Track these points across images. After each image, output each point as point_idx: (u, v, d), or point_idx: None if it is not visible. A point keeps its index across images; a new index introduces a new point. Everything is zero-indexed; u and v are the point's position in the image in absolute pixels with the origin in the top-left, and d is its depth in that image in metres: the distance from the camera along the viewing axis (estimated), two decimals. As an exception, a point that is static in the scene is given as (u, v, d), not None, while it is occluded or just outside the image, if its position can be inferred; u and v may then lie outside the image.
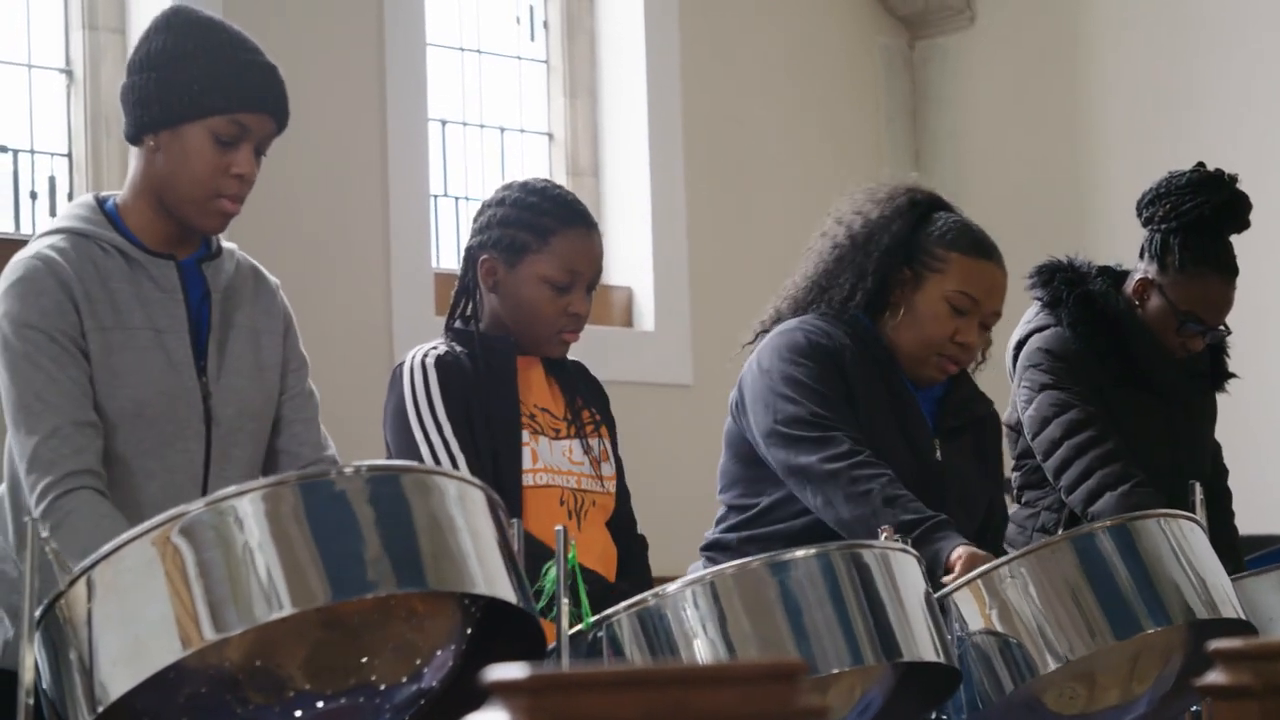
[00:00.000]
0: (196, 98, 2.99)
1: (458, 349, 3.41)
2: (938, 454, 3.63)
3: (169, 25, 3.05)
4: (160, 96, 3.01)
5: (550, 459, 3.41)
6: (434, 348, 3.42)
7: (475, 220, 3.50)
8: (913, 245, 3.63)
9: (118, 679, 2.40)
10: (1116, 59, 6.85)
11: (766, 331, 3.71)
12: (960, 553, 3.29)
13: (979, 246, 3.64)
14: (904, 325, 3.61)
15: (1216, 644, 1.95)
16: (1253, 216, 4.19)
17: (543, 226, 3.41)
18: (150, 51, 3.04)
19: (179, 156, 3.01)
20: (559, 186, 3.53)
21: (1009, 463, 4.32)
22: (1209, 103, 6.60)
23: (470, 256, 3.48)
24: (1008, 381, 4.29)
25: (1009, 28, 7.14)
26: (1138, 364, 4.14)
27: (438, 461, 3.29)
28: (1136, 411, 4.14)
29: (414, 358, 3.40)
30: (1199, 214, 4.09)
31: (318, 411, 3.21)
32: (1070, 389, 4.10)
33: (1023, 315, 4.29)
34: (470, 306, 3.48)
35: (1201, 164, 4.18)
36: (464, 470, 3.22)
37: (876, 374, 3.59)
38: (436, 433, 3.32)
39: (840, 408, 3.53)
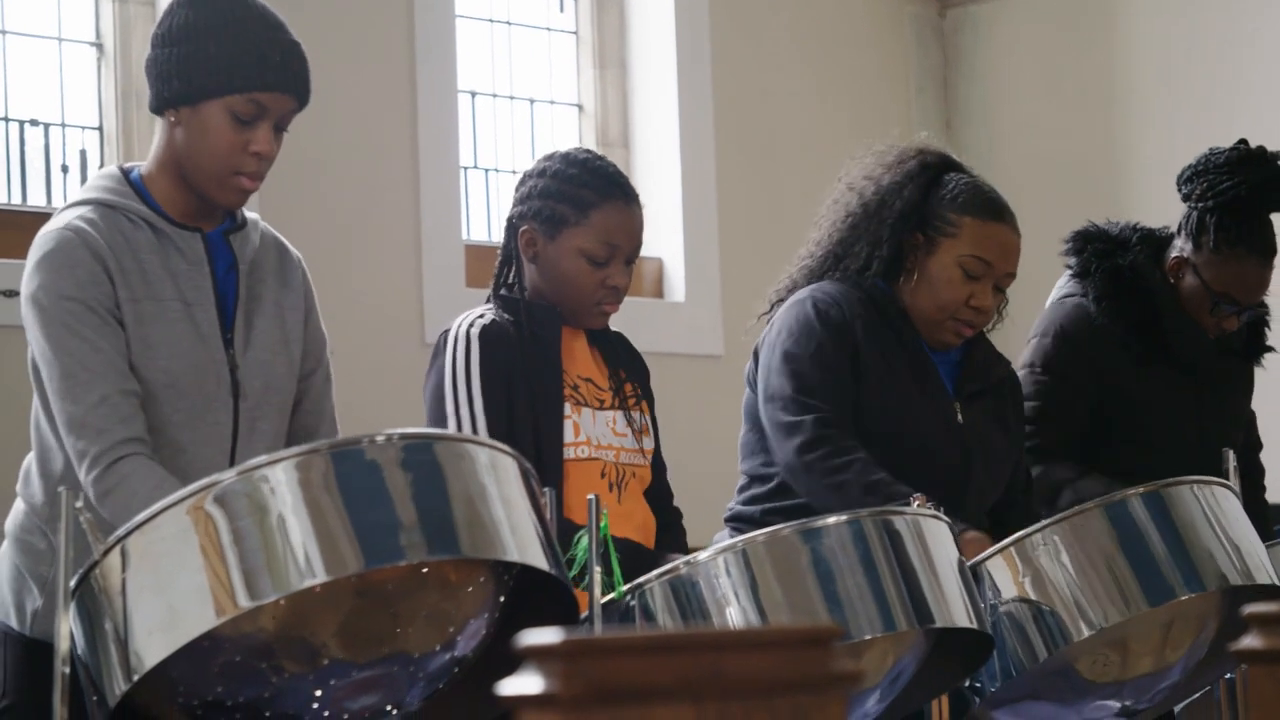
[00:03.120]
0: (214, 76, 2.99)
1: (505, 317, 3.41)
2: (959, 417, 3.60)
3: (191, 1, 3.04)
4: (180, 73, 3.01)
5: (593, 431, 3.41)
6: (480, 315, 3.41)
7: (517, 189, 3.50)
8: (925, 210, 3.59)
9: (152, 648, 2.41)
10: (1149, 27, 6.81)
11: (782, 302, 3.70)
12: (969, 537, 3.27)
13: (990, 209, 3.59)
14: (918, 290, 3.58)
15: (1252, 608, 1.95)
16: None
17: (582, 199, 3.40)
18: (173, 26, 3.04)
19: (198, 133, 3.01)
20: (601, 158, 3.50)
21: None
22: (1242, 70, 6.57)
23: (511, 226, 3.48)
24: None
25: (1040, -4, 7.11)
26: (1168, 341, 4.10)
27: (463, 431, 3.29)
28: (1164, 388, 4.09)
29: (460, 326, 3.39)
30: (1235, 194, 4.01)
31: (331, 387, 3.22)
32: (1057, 381, 4.04)
33: (1058, 280, 4.27)
34: (513, 275, 3.48)
35: (1244, 141, 4.11)
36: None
37: (894, 340, 3.56)
38: (467, 405, 3.32)
39: (828, 385, 3.50)
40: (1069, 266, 4.20)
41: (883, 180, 3.65)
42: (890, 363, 3.55)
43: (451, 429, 3.29)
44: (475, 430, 3.29)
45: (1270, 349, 4.29)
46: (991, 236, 3.57)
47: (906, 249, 3.59)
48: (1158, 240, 4.15)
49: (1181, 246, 4.10)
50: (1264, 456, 4.40)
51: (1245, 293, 4.07)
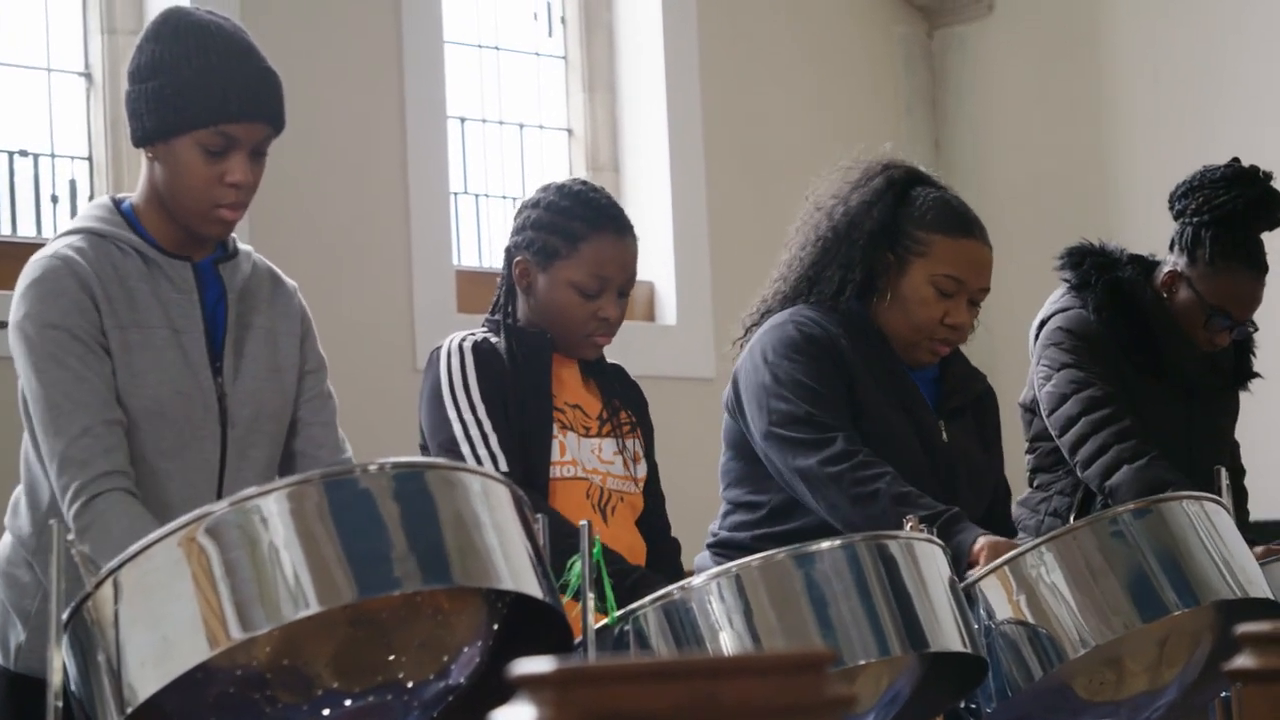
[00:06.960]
0: (180, 112, 2.97)
1: (494, 339, 3.43)
2: (944, 436, 3.59)
3: (157, 35, 3.02)
4: (149, 110, 3.00)
5: (579, 454, 3.42)
6: (471, 334, 3.44)
7: (514, 219, 3.52)
8: (894, 229, 3.55)
9: (146, 680, 2.40)
10: (1137, 45, 6.83)
11: (757, 326, 3.68)
12: (982, 543, 3.28)
13: (959, 225, 3.56)
14: (892, 310, 3.55)
15: (1244, 628, 1.95)
16: None
17: (573, 232, 3.42)
18: (140, 64, 3.03)
19: (173, 169, 3.00)
20: (595, 189, 3.51)
21: (1023, 445, 4.31)
22: (1230, 88, 6.58)
23: (508, 256, 3.50)
24: (1026, 364, 4.28)
25: (1028, 14, 7.12)
26: (1161, 355, 4.13)
27: (470, 441, 3.31)
28: (1155, 402, 4.13)
29: (451, 342, 3.42)
30: (1231, 209, 4.09)
31: (335, 414, 3.20)
32: (1089, 368, 4.10)
33: (1048, 297, 4.29)
34: (510, 304, 3.49)
35: (1236, 159, 4.19)
36: (497, 450, 3.28)
37: (874, 360, 3.54)
38: (470, 413, 3.34)
39: (836, 403, 3.48)
40: (1066, 280, 4.23)
41: (851, 200, 3.61)
42: (875, 384, 3.52)
43: (459, 437, 3.31)
44: (483, 434, 3.31)
45: (1256, 375, 4.33)
46: (963, 253, 3.54)
47: (878, 269, 3.56)
48: (1146, 263, 4.22)
49: (1175, 261, 4.15)
50: (1254, 475, 4.42)
51: (1240, 307, 4.13)
